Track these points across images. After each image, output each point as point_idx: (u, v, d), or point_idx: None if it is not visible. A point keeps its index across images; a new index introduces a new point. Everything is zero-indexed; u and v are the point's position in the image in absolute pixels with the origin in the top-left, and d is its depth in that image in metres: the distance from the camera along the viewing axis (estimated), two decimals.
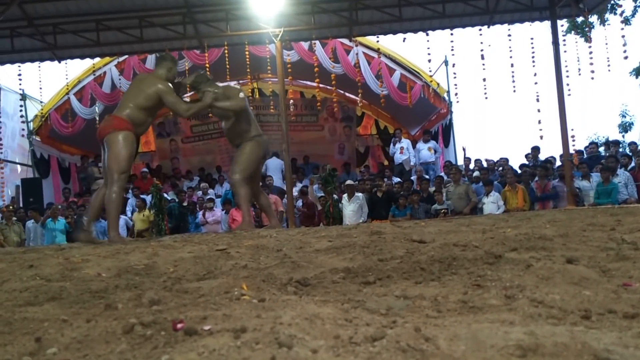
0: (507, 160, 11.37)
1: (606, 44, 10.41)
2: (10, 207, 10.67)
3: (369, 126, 17.36)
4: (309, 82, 13.90)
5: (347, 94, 15.36)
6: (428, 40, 10.86)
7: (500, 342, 0.99)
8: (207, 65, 11.09)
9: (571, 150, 10.04)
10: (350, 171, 14.31)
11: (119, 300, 1.53)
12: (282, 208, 10.71)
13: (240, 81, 14.45)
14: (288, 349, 0.98)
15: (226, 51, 10.90)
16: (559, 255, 1.97)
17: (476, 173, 11.11)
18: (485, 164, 11.90)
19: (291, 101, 13.87)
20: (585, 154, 10.90)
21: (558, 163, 10.77)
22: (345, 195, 10.23)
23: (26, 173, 13.62)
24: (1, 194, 10.95)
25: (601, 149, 12.13)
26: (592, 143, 11.90)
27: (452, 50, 11.14)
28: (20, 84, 12.11)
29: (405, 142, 13.64)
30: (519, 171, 10.58)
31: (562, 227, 2.98)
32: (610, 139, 13.24)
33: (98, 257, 2.58)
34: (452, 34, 10.89)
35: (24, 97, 13.23)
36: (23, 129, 13.36)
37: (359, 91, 12.09)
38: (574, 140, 10.13)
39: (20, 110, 13.04)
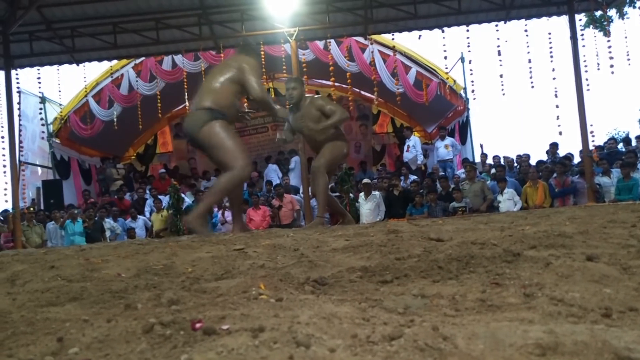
0: (528, 156, 11.27)
1: (625, 37, 10.32)
2: (31, 209, 10.83)
3: (385, 124, 17.30)
4: (324, 81, 13.91)
5: (362, 93, 15.33)
6: (444, 37, 10.81)
7: (519, 341, 0.98)
8: None
9: (591, 146, 9.91)
10: (366, 170, 14.30)
11: (139, 300, 1.55)
12: (298, 207, 10.73)
13: None
14: (306, 348, 0.99)
15: None
16: (579, 252, 1.94)
17: (493, 170, 11.02)
18: (502, 161, 11.80)
19: None
20: (605, 150, 10.76)
21: (577, 159, 10.64)
22: (362, 194, 10.21)
23: (47, 175, 13.81)
24: (22, 195, 11.12)
25: (621, 145, 11.96)
26: (611, 138, 11.74)
27: (469, 46, 11.08)
28: (39, 87, 12.32)
29: (413, 140, 13.55)
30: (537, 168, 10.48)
31: (582, 224, 2.94)
32: (631, 135, 13.05)
33: (118, 258, 2.60)
34: (468, 31, 10.83)
35: (43, 100, 13.43)
36: (43, 132, 13.55)
37: (375, 89, 12.06)
38: (593, 136, 10.01)
39: (40, 113, 13.23)
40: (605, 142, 11.23)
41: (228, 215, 10.81)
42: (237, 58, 5.12)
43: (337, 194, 10.64)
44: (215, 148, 4.65)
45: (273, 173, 13.47)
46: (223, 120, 4.72)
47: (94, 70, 18.21)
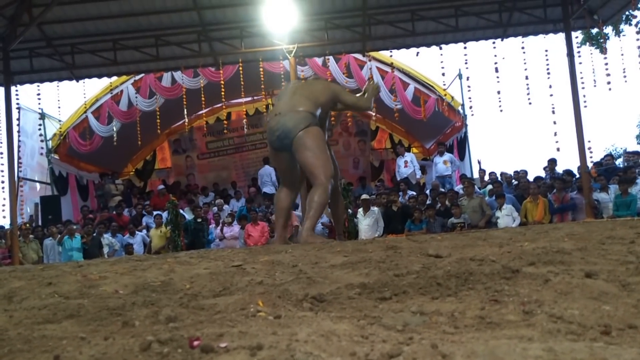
0: (525, 172, 11.29)
1: (622, 54, 10.35)
2: (27, 225, 10.78)
3: (383, 140, 17.35)
4: None
5: None
6: (442, 54, 10.88)
7: (518, 359, 0.98)
8: (222, 82, 11.21)
9: (588, 163, 9.93)
10: (365, 185, 14.29)
11: (136, 318, 1.54)
12: (297, 222, 10.70)
13: (255, 97, 14.55)
14: None
15: (240, 68, 11.00)
16: (578, 269, 1.94)
17: (489, 186, 11.03)
18: (499, 177, 11.81)
19: None
20: (602, 166, 10.78)
21: (576, 175, 10.66)
22: (360, 210, 10.20)
23: (45, 191, 13.78)
24: (20, 211, 11.09)
25: (619, 161, 11.99)
26: (608, 155, 11.75)
27: (466, 63, 11.15)
28: (39, 103, 12.32)
29: (409, 156, 13.60)
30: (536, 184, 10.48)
31: (580, 241, 2.93)
32: (628, 150, 13.07)
33: (115, 274, 2.59)
34: (465, 48, 10.91)
35: (43, 116, 13.44)
36: (42, 148, 13.55)
37: (373, 105, 12.09)
38: (591, 152, 10.04)
39: (39, 129, 13.24)
40: (602, 158, 11.25)
41: (227, 230, 10.80)
42: (322, 82, 5.56)
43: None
44: (309, 151, 4.79)
45: (267, 176, 13.43)
46: (321, 129, 4.93)
47: (93, 87, 18.27)
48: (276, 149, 5.09)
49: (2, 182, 10.20)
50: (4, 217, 10.42)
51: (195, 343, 1.15)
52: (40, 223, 12.24)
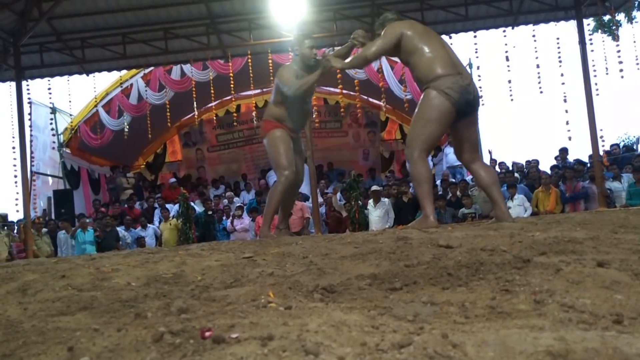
0: (537, 162, 11.21)
1: (634, 42, 10.23)
2: (40, 219, 10.88)
3: (393, 131, 17.27)
4: (332, 89, 13.94)
5: (370, 100, 15.33)
6: (452, 43, 10.77)
7: (529, 348, 0.98)
8: (231, 74, 11.21)
9: (601, 151, 9.85)
10: (375, 176, 14.27)
11: (149, 309, 1.55)
12: (309, 214, 10.72)
13: (264, 89, 14.53)
14: (315, 356, 0.99)
15: (249, 60, 11.00)
16: (590, 258, 1.92)
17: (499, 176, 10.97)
18: (510, 167, 11.74)
19: (314, 108, 13.90)
20: (611, 155, 10.68)
21: (588, 164, 10.57)
22: (371, 201, 10.19)
23: (57, 185, 13.90)
24: (33, 205, 11.20)
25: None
26: (614, 145, 11.59)
27: (477, 52, 11.07)
28: (50, 98, 12.44)
29: None
30: (549, 172, 10.41)
31: (592, 230, 2.91)
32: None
33: (127, 267, 2.61)
34: (475, 37, 10.83)
35: (54, 110, 13.55)
36: (53, 142, 13.66)
37: (383, 96, 12.06)
38: (603, 141, 9.95)
39: (51, 124, 13.35)
40: (610, 146, 11.13)
41: (237, 223, 10.83)
42: None
43: (343, 201, 10.62)
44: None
45: None
46: None
47: (103, 81, 18.40)
48: (463, 113, 4.44)
49: (15, 176, 10.30)
50: (17, 211, 10.55)
51: (207, 334, 1.16)
52: (53, 217, 12.36)
